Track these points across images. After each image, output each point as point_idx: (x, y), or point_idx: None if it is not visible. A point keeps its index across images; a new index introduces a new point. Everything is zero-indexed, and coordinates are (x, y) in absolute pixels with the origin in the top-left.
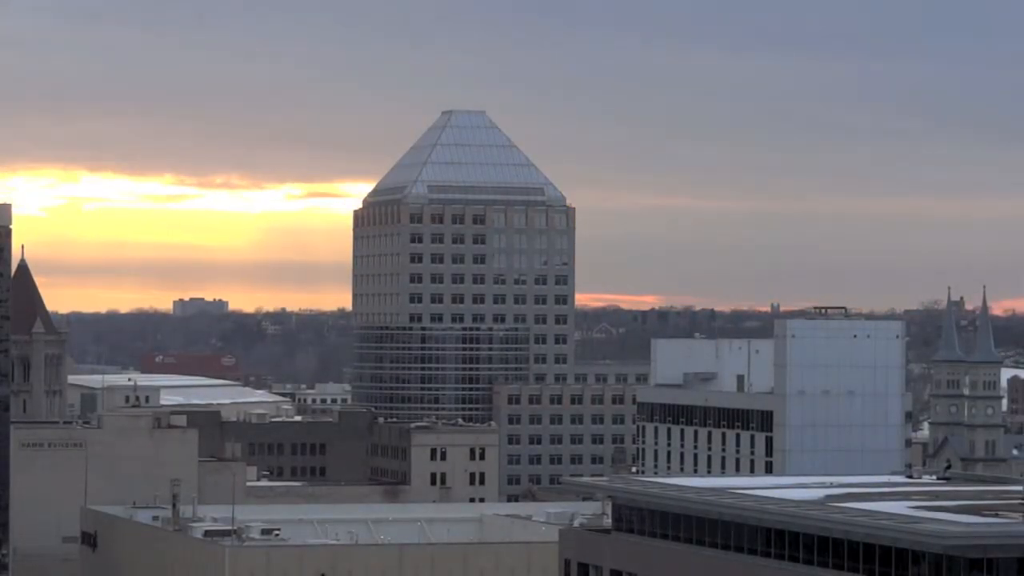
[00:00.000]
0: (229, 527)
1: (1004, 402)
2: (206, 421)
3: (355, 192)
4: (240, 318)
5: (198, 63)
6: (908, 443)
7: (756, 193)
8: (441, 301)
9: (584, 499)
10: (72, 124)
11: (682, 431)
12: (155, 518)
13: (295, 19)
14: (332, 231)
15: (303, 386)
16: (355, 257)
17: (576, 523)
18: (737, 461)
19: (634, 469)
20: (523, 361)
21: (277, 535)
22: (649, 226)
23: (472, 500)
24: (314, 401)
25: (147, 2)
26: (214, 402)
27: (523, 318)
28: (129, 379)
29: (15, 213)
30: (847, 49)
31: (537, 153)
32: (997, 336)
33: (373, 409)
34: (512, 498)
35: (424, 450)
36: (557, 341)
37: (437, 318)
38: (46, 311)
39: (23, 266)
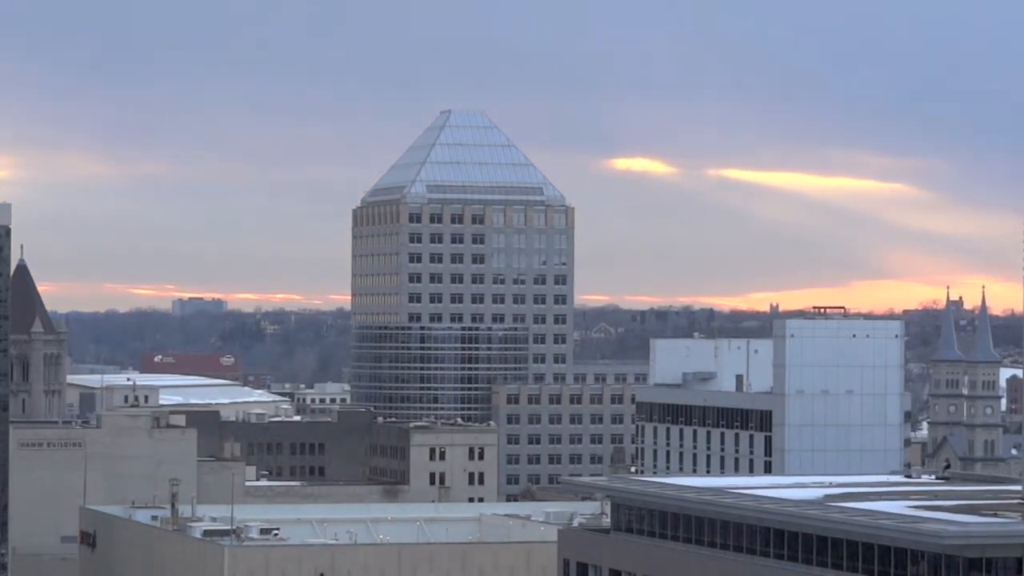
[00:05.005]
0: (228, 527)
1: (1003, 402)
2: (205, 421)
3: (354, 191)
4: (239, 317)
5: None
6: (907, 443)
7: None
8: (440, 301)
9: (583, 499)
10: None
11: (681, 431)
12: (154, 518)
13: (295, 20)
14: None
15: (302, 386)
16: (354, 256)
17: (575, 523)
18: (736, 461)
19: (633, 469)
20: (522, 361)
21: (276, 535)
22: (643, 225)
23: (471, 500)
24: (313, 401)
25: None
26: (213, 402)
27: (522, 318)
28: (128, 379)
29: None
30: None
31: (536, 153)
32: (996, 336)
33: (372, 409)
34: (511, 498)
35: (423, 450)
36: (556, 341)
37: (436, 318)
38: (45, 311)
39: (22, 266)
